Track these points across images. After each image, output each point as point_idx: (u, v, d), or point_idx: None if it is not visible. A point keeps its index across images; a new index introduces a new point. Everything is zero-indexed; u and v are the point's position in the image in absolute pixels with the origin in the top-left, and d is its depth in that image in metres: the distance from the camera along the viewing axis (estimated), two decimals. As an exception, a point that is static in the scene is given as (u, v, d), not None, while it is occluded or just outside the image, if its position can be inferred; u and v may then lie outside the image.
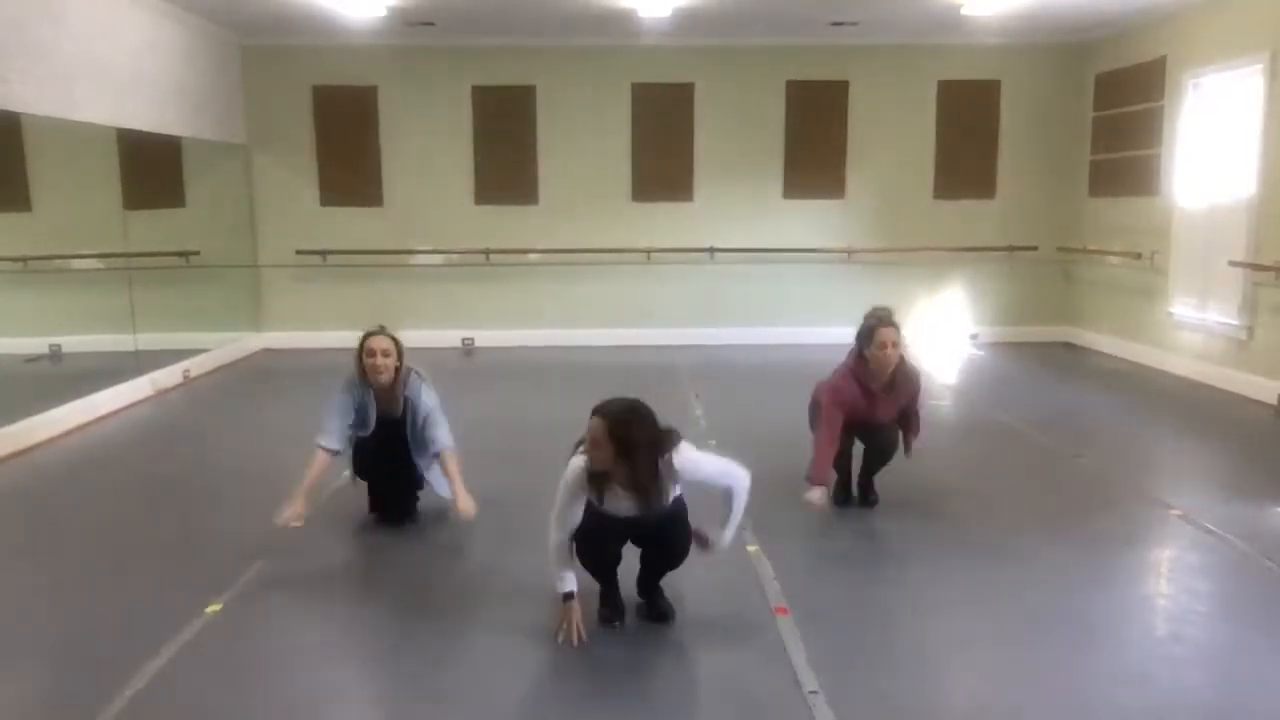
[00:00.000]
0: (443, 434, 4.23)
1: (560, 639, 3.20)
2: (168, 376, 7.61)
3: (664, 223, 9.47)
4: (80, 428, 6.29)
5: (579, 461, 3.18)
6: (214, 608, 3.49)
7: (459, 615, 3.48)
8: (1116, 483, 5.02)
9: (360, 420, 4.25)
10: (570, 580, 3.22)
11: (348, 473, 4.67)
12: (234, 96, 9.04)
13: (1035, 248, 9.68)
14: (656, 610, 3.40)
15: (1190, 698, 2.91)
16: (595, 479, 3.16)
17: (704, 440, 5.74)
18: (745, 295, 9.53)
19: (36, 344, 7.88)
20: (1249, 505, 4.63)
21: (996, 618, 3.46)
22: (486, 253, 9.40)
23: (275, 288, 9.50)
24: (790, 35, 9.12)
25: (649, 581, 3.44)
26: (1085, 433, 6.03)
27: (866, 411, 4.39)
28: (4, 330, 7.72)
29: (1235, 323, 7.21)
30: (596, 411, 3.13)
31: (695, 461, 3.23)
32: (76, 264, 7.84)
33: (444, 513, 4.49)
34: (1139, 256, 8.39)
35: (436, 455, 4.23)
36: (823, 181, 9.45)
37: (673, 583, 3.58)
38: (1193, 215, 7.79)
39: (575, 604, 3.22)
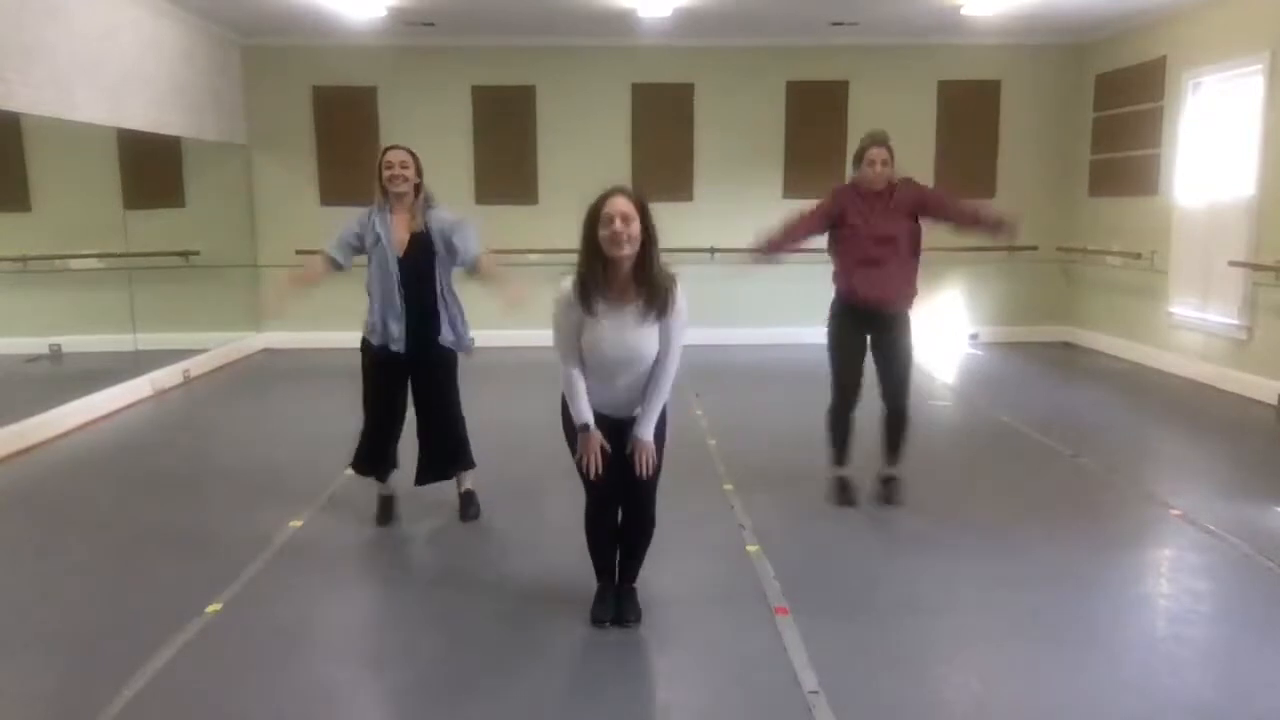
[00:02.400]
0: (473, 243, 4.20)
1: (583, 465, 3.18)
2: (168, 376, 7.60)
3: (664, 222, 9.32)
4: (80, 428, 6.29)
5: (567, 281, 3.15)
6: (214, 608, 3.49)
7: (459, 615, 3.48)
8: (1116, 483, 5.02)
9: (353, 248, 4.14)
10: (586, 412, 3.15)
11: (349, 470, 4.66)
12: (234, 96, 9.04)
13: (1035, 248, 9.67)
14: (622, 610, 3.35)
15: (1190, 698, 2.91)
16: (590, 288, 3.07)
17: (704, 439, 5.76)
18: (745, 295, 9.51)
19: (36, 344, 7.89)
20: (1249, 505, 4.63)
21: (996, 618, 3.46)
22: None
23: (275, 288, 9.49)
24: (790, 35, 9.12)
25: (625, 556, 3.37)
26: (1085, 433, 6.03)
27: (864, 219, 4.34)
28: (4, 330, 7.72)
29: (1235, 323, 7.21)
30: (607, 194, 3.07)
31: (682, 319, 3.17)
32: (76, 264, 7.84)
33: (445, 513, 4.49)
34: (1139, 256, 8.39)
35: (468, 266, 4.19)
36: (823, 181, 9.26)
37: (672, 581, 3.58)
38: (1193, 215, 7.79)
39: (593, 434, 3.16)
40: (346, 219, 4.24)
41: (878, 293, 4.38)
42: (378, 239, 4.13)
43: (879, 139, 4.38)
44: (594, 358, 3.15)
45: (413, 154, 4.18)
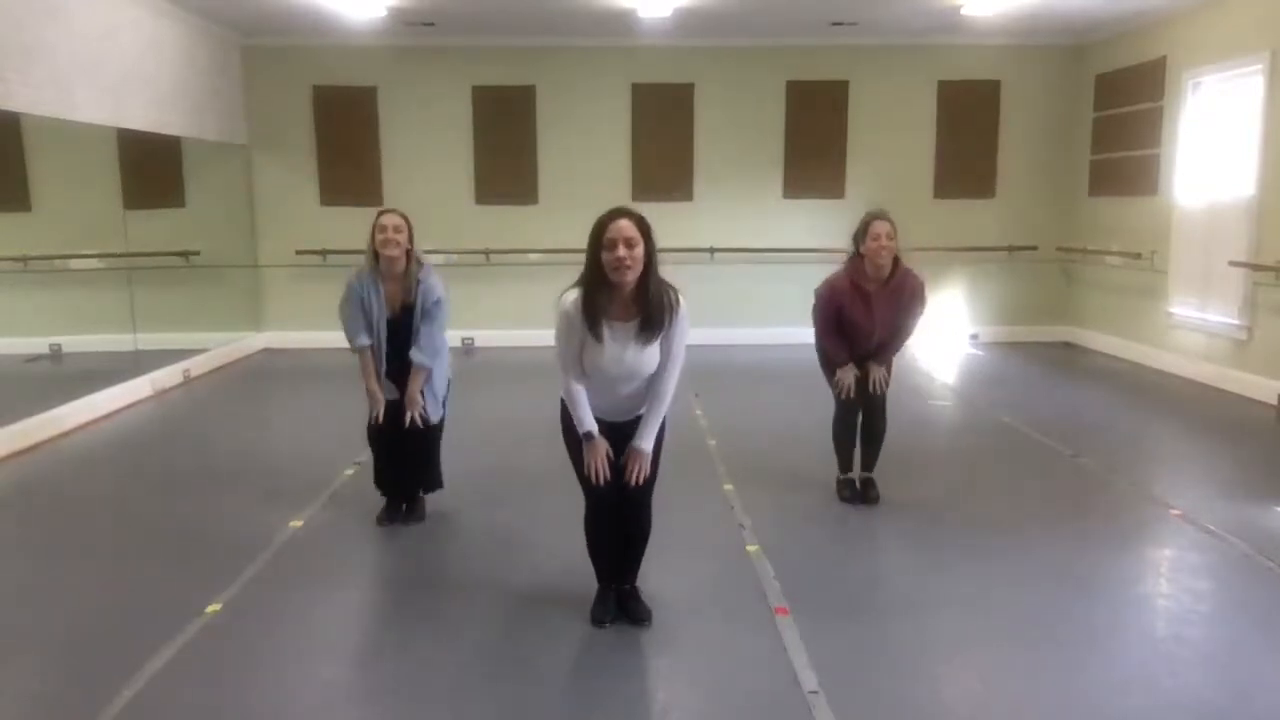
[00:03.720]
0: (428, 339, 4.13)
1: (587, 472, 3.18)
2: (168, 376, 7.60)
3: (664, 223, 9.20)
4: (81, 427, 6.28)
5: (571, 296, 3.11)
6: (214, 608, 3.49)
7: (459, 615, 3.48)
8: (1116, 483, 5.02)
9: (367, 322, 4.12)
10: (589, 420, 3.16)
11: (350, 471, 4.67)
12: (234, 96, 9.04)
13: (1035, 248, 9.69)
14: (633, 613, 3.37)
15: (1190, 698, 2.91)
16: (593, 306, 3.05)
17: (704, 439, 5.76)
18: (745, 295, 9.52)
19: (37, 344, 7.89)
20: (1249, 505, 4.63)
21: (996, 618, 3.46)
22: (486, 253, 9.40)
23: (275, 288, 9.50)
24: (790, 35, 9.12)
25: (625, 556, 3.38)
26: (1085, 433, 6.03)
27: (864, 313, 4.43)
28: (4, 330, 7.73)
29: (1235, 323, 7.21)
30: (612, 215, 3.03)
31: (683, 330, 3.16)
32: (76, 264, 7.85)
33: (447, 513, 4.50)
34: (1139, 256, 8.39)
35: (414, 356, 4.11)
36: (823, 181, 9.45)
37: (672, 581, 3.58)
38: (1193, 215, 7.79)
39: (598, 441, 3.17)
40: (343, 310, 4.18)
41: (872, 351, 4.57)
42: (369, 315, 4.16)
43: (882, 214, 4.39)
44: (596, 373, 3.15)
45: (406, 219, 4.20)
